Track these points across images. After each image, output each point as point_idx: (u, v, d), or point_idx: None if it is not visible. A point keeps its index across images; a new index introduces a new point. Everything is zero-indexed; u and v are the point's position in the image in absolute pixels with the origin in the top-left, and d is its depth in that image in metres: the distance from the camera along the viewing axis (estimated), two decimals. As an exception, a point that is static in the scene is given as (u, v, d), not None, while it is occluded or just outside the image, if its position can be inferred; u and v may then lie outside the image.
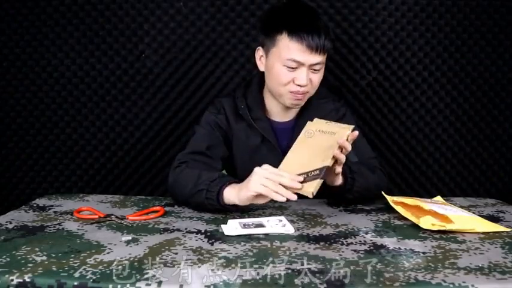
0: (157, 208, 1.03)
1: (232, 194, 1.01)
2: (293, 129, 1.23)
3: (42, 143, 1.68)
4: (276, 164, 1.01)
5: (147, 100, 1.64)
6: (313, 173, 0.95)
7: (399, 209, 0.98)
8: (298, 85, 1.13)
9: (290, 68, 1.12)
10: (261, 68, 1.22)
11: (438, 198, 1.13)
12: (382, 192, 1.05)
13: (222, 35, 1.59)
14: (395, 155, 1.66)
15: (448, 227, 0.89)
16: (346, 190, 1.08)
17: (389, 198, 1.02)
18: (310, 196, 0.93)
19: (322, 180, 0.96)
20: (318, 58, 1.12)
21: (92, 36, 1.61)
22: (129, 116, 1.65)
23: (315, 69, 1.14)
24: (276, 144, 1.23)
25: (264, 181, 0.95)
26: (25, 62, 1.63)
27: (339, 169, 1.00)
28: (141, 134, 1.66)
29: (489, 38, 1.61)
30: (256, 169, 0.98)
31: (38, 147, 1.68)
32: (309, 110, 1.24)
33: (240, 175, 1.21)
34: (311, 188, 0.93)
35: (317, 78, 1.16)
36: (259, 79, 1.28)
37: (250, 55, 1.59)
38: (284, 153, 1.16)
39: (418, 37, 1.59)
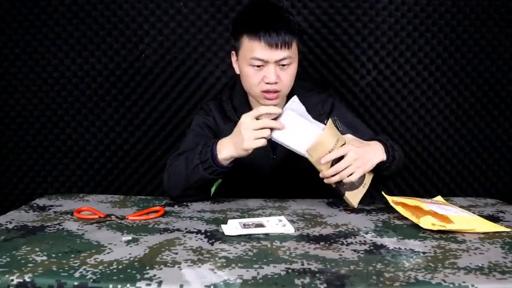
0: (157, 208, 1.03)
1: (227, 151, 1.06)
2: None
3: (42, 143, 1.68)
4: (265, 159, 1.12)
5: (147, 100, 1.64)
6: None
7: (399, 209, 0.98)
8: (268, 83, 1.14)
9: (256, 66, 1.14)
10: (237, 71, 1.24)
11: (438, 198, 1.13)
12: (382, 192, 1.05)
13: (222, 35, 1.59)
14: (395, 154, 1.66)
15: (448, 227, 0.89)
16: (385, 168, 1.10)
17: (389, 198, 1.02)
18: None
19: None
20: (281, 53, 1.12)
21: (92, 36, 1.61)
22: (129, 116, 1.66)
23: (283, 65, 1.14)
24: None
25: (256, 134, 1.01)
26: (25, 62, 1.63)
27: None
28: (141, 134, 1.66)
29: (489, 38, 1.61)
30: (243, 122, 1.04)
31: (38, 147, 1.68)
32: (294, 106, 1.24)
33: (230, 173, 1.21)
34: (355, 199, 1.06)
35: (287, 75, 1.16)
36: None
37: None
38: (273, 148, 1.19)
39: (418, 37, 1.59)
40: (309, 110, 1.09)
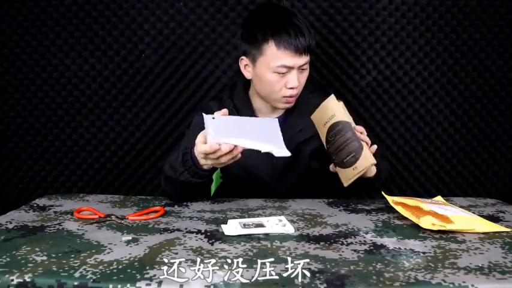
0: (157, 208, 1.03)
1: (204, 161, 1.02)
2: (283, 125, 1.23)
3: (42, 143, 1.68)
4: (267, 159, 1.12)
5: (147, 100, 1.64)
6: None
7: (399, 209, 0.98)
8: (291, 88, 1.16)
9: (281, 73, 1.15)
10: (248, 76, 1.24)
11: (438, 198, 1.13)
12: (382, 193, 1.05)
13: (222, 35, 1.59)
14: (395, 155, 1.66)
15: (448, 227, 0.89)
16: (376, 179, 1.12)
17: (389, 198, 1.02)
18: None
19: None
20: (305, 58, 1.16)
21: (92, 36, 1.61)
22: (129, 116, 1.65)
23: (302, 69, 1.18)
24: None
25: (213, 162, 0.99)
26: (25, 62, 1.63)
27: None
28: (141, 134, 1.66)
29: (489, 38, 1.61)
30: (197, 153, 1.00)
31: (38, 147, 1.68)
32: (298, 106, 1.25)
33: (231, 173, 1.23)
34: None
35: (304, 77, 1.20)
36: (244, 81, 1.29)
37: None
38: None
39: (418, 37, 1.59)
40: (311, 112, 1.13)
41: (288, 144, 1.21)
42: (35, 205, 1.09)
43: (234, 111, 1.24)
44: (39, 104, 1.65)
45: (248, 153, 1.17)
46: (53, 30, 1.60)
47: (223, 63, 1.61)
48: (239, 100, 1.27)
